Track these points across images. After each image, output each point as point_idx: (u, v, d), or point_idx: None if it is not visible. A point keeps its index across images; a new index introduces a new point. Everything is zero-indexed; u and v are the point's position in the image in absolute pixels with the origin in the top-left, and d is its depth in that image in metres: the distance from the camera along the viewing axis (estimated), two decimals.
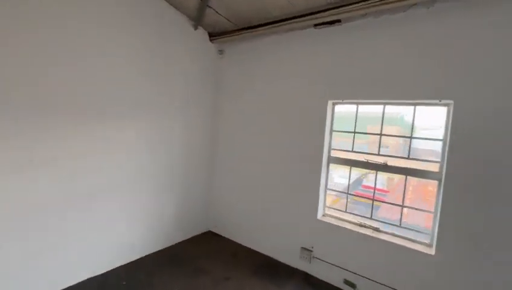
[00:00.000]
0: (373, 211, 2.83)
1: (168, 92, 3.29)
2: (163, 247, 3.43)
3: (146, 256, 3.20)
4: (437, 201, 2.41)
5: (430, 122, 2.57)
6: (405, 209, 2.63)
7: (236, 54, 3.73)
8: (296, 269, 3.15)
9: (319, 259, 2.99)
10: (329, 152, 3.04)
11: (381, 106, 2.70)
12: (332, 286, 2.87)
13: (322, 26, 2.91)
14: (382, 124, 2.71)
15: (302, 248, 3.12)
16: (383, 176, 3.11)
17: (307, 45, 3.05)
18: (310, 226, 3.07)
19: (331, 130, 3.02)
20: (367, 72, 2.65)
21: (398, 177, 2.73)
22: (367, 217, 2.85)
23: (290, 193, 3.22)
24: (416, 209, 2.59)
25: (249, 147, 3.59)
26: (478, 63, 2.11)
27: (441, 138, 2.41)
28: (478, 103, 2.12)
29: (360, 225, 2.85)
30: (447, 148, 2.28)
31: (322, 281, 2.95)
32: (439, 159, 2.41)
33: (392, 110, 2.68)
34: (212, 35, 3.71)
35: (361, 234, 2.73)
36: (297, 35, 3.11)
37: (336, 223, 2.93)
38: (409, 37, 2.41)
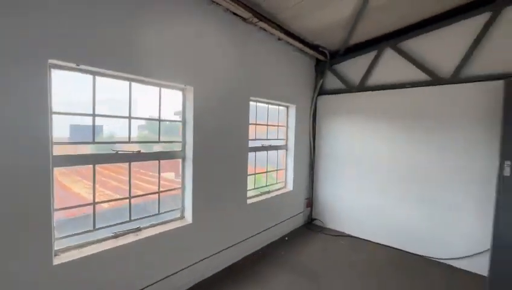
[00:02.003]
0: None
1: None
2: None
3: None
4: (183, 177, 2.70)
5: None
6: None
7: None
8: None
9: None
10: (51, 149, 1.80)
11: (127, 83, 2.19)
12: None
13: None
14: (130, 105, 2.23)
15: None
16: None
17: None
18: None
19: (51, 111, 1.78)
20: (113, 36, 1.94)
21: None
22: (126, 222, 2.27)
23: None
24: (165, 191, 2.63)
25: None
26: (209, 57, 2.64)
27: (180, 119, 2.65)
28: (208, 88, 2.69)
29: (117, 237, 2.21)
30: (191, 128, 2.60)
31: None
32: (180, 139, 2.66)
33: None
34: None
35: (122, 246, 2.15)
36: None
37: (80, 256, 1.93)
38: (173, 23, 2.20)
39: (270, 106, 3.86)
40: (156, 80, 2.30)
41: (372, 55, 3.83)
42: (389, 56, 3.69)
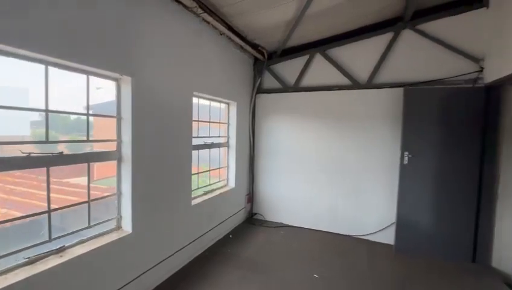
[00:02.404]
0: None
1: None
2: None
3: None
4: (119, 181, 2.34)
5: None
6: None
7: None
8: None
9: None
10: None
11: (41, 67, 1.73)
12: None
13: None
14: (47, 94, 1.77)
15: None
16: None
17: None
18: None
19: None
20: (27, 4, 1.50)
21: None
22: (42, 243, 1.80)
23: None
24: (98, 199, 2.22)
25: None
26: (150, 45, 2.35)
27: (115, 114, 2.28)
28: (148, 80, 2.40)
29: (33, 262, 1.74)
30: (129, 125, 2.27)
31: None
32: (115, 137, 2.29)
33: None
34: None
35: (41, 273, 1.70)
36: None
37: None
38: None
39: (211, 103, 3.74)
40: (83, 65, 1.89)
41: (305, 58, 4.19)
42: (319, 61, 4.11)
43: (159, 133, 2.56)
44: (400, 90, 3.48)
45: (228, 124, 4.16)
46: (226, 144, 4.15)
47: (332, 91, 4.03)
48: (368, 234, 3.86)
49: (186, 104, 2.95)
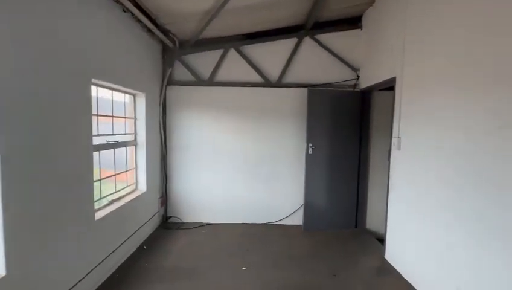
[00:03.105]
0: None
1: None
2: None
3: None
4: None
5: None
6: None
7: None
8: None
9: None
10: None
11: None
12: None
13: None
14: None
15: None
16: None
17: None
18: None
19: None
20: None
21: None
22: None
23: None
24: None
25: None
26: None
27: None
28: (26, 55, 1.72)
29: None
30: None
31: None
32: None
33: None
34: None
35: None
36: None
37: None
38: None
39: (114, 95, 3.09)
40: None
41: (219, 52, 4.11)
42: (234, 56, 4.14)
43: (44, 132, 1.90)
44: (305, 89, 3.99)
45: (135, 118, 3.58)
46: (134, 142, 3.56)
47: (247, 87, 4.16)
48: (281, 219, 4.29)
49: (83, 93, 2.32)
